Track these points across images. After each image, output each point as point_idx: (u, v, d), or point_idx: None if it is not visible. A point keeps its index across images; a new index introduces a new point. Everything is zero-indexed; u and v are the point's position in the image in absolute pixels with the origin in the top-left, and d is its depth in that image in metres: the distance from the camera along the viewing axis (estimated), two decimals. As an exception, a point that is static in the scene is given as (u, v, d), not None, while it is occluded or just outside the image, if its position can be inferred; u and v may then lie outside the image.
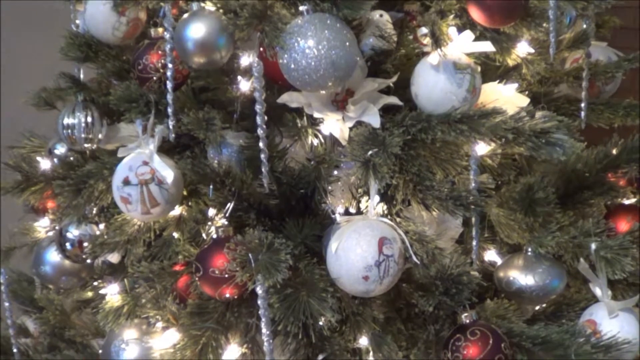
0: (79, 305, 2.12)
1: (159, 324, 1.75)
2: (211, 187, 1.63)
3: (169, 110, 1.64)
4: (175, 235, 1.74)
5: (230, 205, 1.62)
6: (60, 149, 2.01)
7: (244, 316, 1.66)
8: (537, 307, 1.84)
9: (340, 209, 1.70)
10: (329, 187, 1.69)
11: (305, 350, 1.64)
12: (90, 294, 2.10)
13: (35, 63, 2.60)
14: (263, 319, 1.55)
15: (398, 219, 1.63)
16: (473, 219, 1.69)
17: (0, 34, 3.10)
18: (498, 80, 1.76)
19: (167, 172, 1.62)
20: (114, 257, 1.94)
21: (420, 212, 1.63)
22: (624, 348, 1.65)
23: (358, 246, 1.53)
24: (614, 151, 1.92)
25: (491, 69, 1.79)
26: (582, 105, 1.87)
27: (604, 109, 1.93)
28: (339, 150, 1.70)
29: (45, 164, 2.02)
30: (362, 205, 1.65)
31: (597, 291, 1.69)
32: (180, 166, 1.65)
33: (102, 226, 1.88)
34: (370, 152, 1.52)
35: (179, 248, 1.70)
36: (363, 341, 1.71)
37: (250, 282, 1.55)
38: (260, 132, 1.59)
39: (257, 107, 1.59)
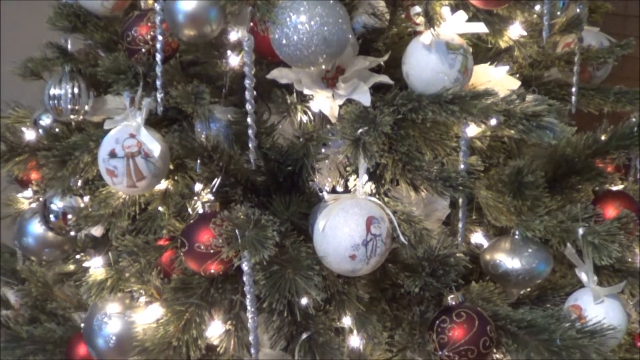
0: (61, 277, 2.11)
1: (143, 299, 1.74)
2: (198, 161, 1.61)
3: (158, 82, 1.61)
4: (161, 209, 1.73)
5: (217, 181, 1.60)
6: (46, 120, 1.98)
7: (228, 292, 1.64)
8: (522, 291, 1.84)
9: (327, 187, 1.69)
10: (317, 165, 1.68)
11: (289, 328, 1.63)
12: (72, 267, 2.09)
13: (22, 33, 2.56)
14: (248, 296, 1.54)
15: (386, 199, 1.62)
16: (460, 201, 1.68)
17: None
18: (489, 62, 1.75)
19: (154, 145, 1.60)
20: (97, 231, 1.92)
21: (408, 192, 1.62)
22: (609, 334, 1.65)
23: (346, 225, 1.51)
24: (603, 137, 1.91)
25: (482, 51, 1.78)
26: (573, 89, 1.86)
27: (595, 94, 1.92)
28: (328, 128, 1.69)
29: (30, 134, 1.99)
30: (350, 184, 1.64)
31: (583, 277, 1.69)
32: (167, 140, 1.63)
33: (86, 199, 1.86)
34: (360, 131, 1.50)
35: (164, 222, 1.69)
36: (347, 321, 1.70)
37: (236, 259, 1.53)
38: (248, 107, 1.57)
39: (247, 82, 1.57)
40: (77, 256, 2.03)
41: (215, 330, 1.67)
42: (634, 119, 1.88)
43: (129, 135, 1.61)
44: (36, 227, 1.98)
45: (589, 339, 1.60)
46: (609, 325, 1.64)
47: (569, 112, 1.85)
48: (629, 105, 1.92)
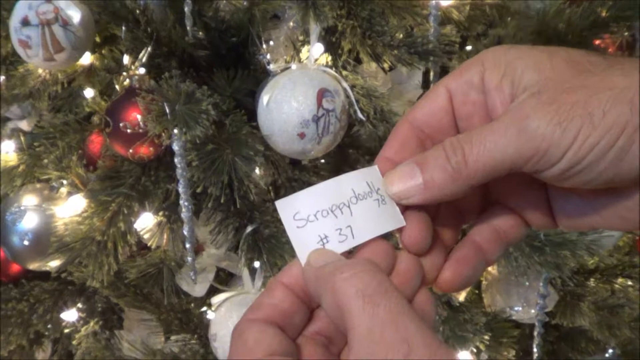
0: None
1: (64, 189, 1.52)
2: (124, 28, 1.37)
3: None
4: (86, 88, 1.50)
5: (146, 50, 1.36)
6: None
7: (162, 181, 1.41)
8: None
9: (280, 63, 1.46)
10: (270, 42, 1.45)
11: (233, 220, 1.41)
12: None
13: None
14: (180, 180, 1.32)
15: (344, 72, 1.39)
16: (431, 75, 1.45)
17: None
18: None
19: (72, 11, 1.37)
20: (24, 124, 1.70)
21: (369, 64, 1.39)
22: (604, 232, 1.45)
23: (293, 98, 1.29)
24: (603, 14, 1.67)
25: None
26: (566, -44, 1.62)
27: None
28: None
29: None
30: (303, 57, 1.41)
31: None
32: (87, 2, 1.39)
33: (2, 78, 1.63)
34: (312, -11, 1.28)
35: (88, 102, 1.46)
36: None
37: (165, 136, 1.31)
38: (182, -37, 1.34)
39: None
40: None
41: (146, 221, 1.44)
42: (636, -11, 1.64)
43: (44, 0, 1.38)
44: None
45: (580, 234, 1.39)
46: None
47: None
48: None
